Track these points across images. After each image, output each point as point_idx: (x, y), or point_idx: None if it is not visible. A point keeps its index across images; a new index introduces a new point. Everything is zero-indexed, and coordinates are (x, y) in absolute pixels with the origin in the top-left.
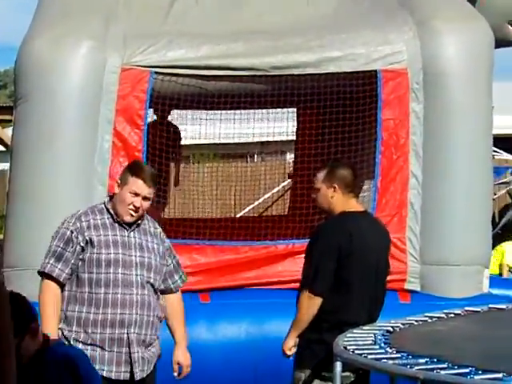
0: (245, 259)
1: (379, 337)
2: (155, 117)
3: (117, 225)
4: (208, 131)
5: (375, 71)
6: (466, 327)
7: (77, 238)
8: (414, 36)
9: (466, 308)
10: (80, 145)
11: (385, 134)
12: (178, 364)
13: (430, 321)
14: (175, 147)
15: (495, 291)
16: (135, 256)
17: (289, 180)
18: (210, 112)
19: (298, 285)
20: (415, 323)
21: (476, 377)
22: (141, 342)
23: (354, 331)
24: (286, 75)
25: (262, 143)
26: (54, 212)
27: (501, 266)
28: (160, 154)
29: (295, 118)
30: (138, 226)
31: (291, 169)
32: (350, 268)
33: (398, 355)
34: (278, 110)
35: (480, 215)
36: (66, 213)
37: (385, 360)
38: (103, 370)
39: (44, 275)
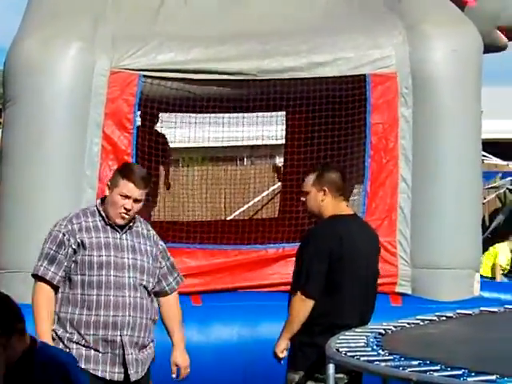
0: (235, 263)
1: (371, 339)
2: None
3: (109, 227)
4: (197, 135)
5: (364, 75)
6: (458, 330)
7: (69, 240)
8: (404, 40)
9: (458, 311)
10: (69, 147)
11: (374, 138)
12: (176, 366)
13: (422, 323)
14: (164, 151)
15: (486, 294)
16: (127, 258)
17: (279, 183)
18: (198, 115)
19: (288, 288)
20: (407, 326)
21: (469, 379)
22: (134, 344)
23: (347, 333)
24: (275, 79)
25: (251, 147)
26: (43, 214)
27: (493, 267)
28: (149, 158)
29: (284, 122)
30: (130, 228)
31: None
32: (341, 271)
33: (391, 357)
34: (267, 113)
35: (470, 219)
36: (55, 215)
37: (377, 362)
38: (98, 370)
39: (37, 278)
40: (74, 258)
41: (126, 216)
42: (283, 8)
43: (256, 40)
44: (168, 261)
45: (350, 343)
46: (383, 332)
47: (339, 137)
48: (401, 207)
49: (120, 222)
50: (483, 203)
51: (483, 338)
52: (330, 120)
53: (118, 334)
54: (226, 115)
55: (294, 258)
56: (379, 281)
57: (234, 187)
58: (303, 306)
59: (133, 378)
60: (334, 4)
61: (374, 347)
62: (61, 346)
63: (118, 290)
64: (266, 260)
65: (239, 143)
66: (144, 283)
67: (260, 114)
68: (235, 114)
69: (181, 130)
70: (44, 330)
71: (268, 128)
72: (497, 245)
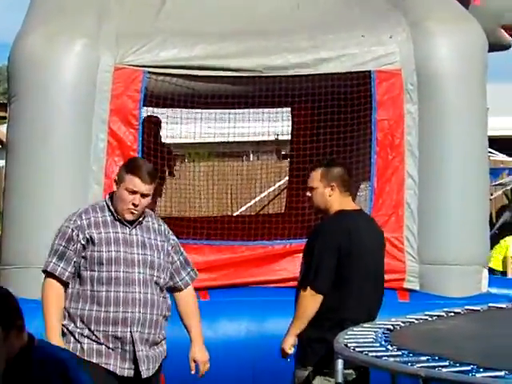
0: (242, 258)
1: (380, 335)
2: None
3: (118, 222)
4: (203, 130)
5: (369, 72)
6: (466, 326)
7: (78, 236)
8: (408, 37)
9: (466, 307)
10: (74, 143)
11: (380, 135)
12: (195, 361)
13: (430, 319)
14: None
15: (494, 290)
16: (137, 254)
17: (286, 178)
18: (204, 111)
19: (296, 283)
20: (415, 321)
21: (478, 375)
22: (144, 341)
23: (355, 329)
24: (280, 76)
25: (257, 142)
26: (49, 210)
27: (504, 260)
28: (155, 154)
29: (289, 118)
30: (140, 223)
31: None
32: (349, 266)
33: (399, 353)
34: (273, 109)
35: (477, 215)
36: (61, 211)
37: (386, 358)
38: (109, 364)
39: (47, 274)
40: (83, 254)
41: (135, 211)
42: (287, 5)
43: (260, 37)
44: (181, 255)
45: (359, 339)
46: (391, 328)
47: (345, 133)
48: (408, 203)
49: (129, 217)
50: (490, 200)
51: (491, 333)
52: (336, 116)
53: (128, 330)
54: (232, 111)
55: (301, 254)
56: (387, 277)
57: (240, 183)
58: (312, 302)
59: (144, 374)
60: (338, 1)
61: (383, 343)
62: (72, 340)
63: (127, 286)
64: (273, 256)
65: (245, 139)
66: (155, 279)
67: (266, 109)
68: (241, 110)
69: (186, 126)
70: (53, 325)
71: (274, 124)
72: (507, 238)
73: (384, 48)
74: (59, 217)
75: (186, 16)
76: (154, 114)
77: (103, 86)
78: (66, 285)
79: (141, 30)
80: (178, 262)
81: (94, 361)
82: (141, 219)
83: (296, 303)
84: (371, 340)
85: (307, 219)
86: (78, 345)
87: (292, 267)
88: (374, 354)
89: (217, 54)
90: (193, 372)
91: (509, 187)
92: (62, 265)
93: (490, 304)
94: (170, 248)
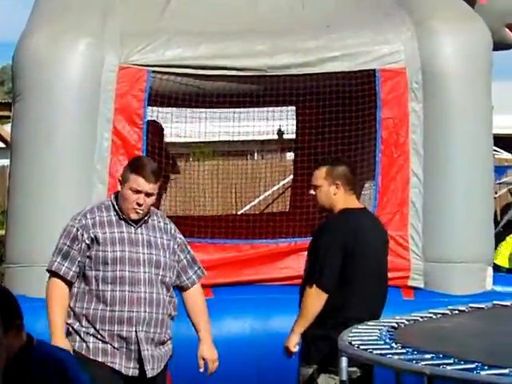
0: (246, 257)
1: (384, 332)
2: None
3: (123, 222)
4: (207, 129)
5: (373, 70)
6: (470, 324)
7: (82, 235)
8: (412, 36)
9: (471, 304)
10: (79, 142)
11: (384, 133)
12: (203, 359)
13: (434, 317)
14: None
15: (499, 288)
16: (143, 253)
17: (290, 177)
18: (208, 110)
19: (300, 281)
20: (420, 319)
21: (482, 372)
22: (150, 340)
23: (359, 327)
24: (285, 75)
25: (262, 142)
26: (53, 209)
27: (511, 257)
28: (160, 153)
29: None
30: (146, 222)
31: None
32: (354, 265)
33: (404, 351)
34: (277, 108)
35: (481, 213)
36: (65, 210)
37: (390, 355)
38: (115, 363)
39: (51, 273)
40: (88, 254)
41: (140, 211)
42: (292, 4)
43: (265, 36)
44: (188, 254)
45: (363, 336)
46: (396, 325)
47: (349, 132)
48: (412, 201)
49: (134, 216)
50: (495, 198)
51: (496, 331)
52: (340, 115)
53: (134, 329)
54: (237, 110)
55: (305, 252)
56: (392, 275)
57: (244, 181)
58: (317, 300)
59: (149, 374)
60: (342, 0)
61: (387, 340)
62: (77, 339)
63: (133, 286)
64: (278, 254)
65: (250, 138)
66: (161, 278)
67: (270, 108)
68: (245, 109)
69: (191, 125)
70: (57, 324)
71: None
72: None
73: (389, 47)
74: (63, 216)
75: (191, 15)
76: (156, 119)
77: (108, 85)
78: (70, 284)
79: (145, 29)
80: (185, 261)
81: (100, 360)
82: (146, 218)
83: (300, 301)
84: (376, 338)
85: (311, 218)
86: (84, 344)
87: (296, 265)
88: (379, 351)
89: (221, 53)
90: (201, 370)
91: None
92: (66, 264)
93: (495, 302)
94: (176, 246)
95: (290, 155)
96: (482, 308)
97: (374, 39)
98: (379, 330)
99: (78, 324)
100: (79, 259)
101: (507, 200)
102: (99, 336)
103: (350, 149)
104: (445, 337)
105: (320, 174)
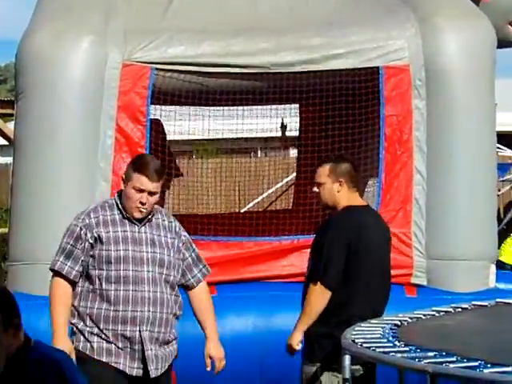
0: (249, 254)
1: (387, 330)
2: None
3: (127, 221)
4: (211, 127)
5: (377, 68)
6: (473, 321)
7: (86, 234)
8: (416, 33)
9: (474, 302)
10: (82, 140)
11: (388, 130)
12: (210, 358)
13: (437, 315)
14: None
15: (502, 286)
16: (146, 252)
17: (293, 175)
18: (211, 108)
19: (303, 278)
20: (423, 317)
21: (485, 370)
22: (154, 340)
23: (362, 325)
24: (288, 72)
25: (265, 139)
26: (56, 206)
27: None
28: (163, 150)
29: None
30: (150, 220)
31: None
32: (358, 262)
33: (407, 349)
34: (281, 106)
35: (485, 210)
36: (69, 207)
37: (393, 353)
38: (119, 363)
39: (54, 272)
40: (91, 253)
41: (143, 209)
42: (296, 1)
43: (268, 33)
44: (193, 252)
45: (366, 334)
46: (399, 323)
47: (353, 129)
48: (416, 199)
49: (138, 215)
50: (498, 195)
51: (499, 329)
52: (344, 112)
53: (137, 329)
54: (240, 107)
55: (308, 249)
56: (395, 272)
57: (248, 179)
58: (321, 298)
59: (152, 374)
60: None
61: (390, 338)
62: (82, 339)
63: (136, 285)
64: (281, 251)
65: (253, 135)
66: (165, 277)
67: (274, 106)
68: (248, 107)
69: (194, 123)
70: (60, 323)
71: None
72: None
73: (392, 44)
74: (67, 214)
75: (194, 15)
76: (159, 117)
77: (111, 82)
78: (73, 283)
79: (148, 26)
80: (190, 259)
81: (104, 360)
82: (150, 217)
83: (303, 299)
84: (378, 336)
85: (315, 215)
86: (88, 344)
87: (299, 262)
88: (382, 349)
89: (224, 51)
90: (208, 369)
91: None
92: (69, 263)
93: (498, 299)
94: (180, 245)
95: (294, 153)
96: (485, 306)
97: (377, 36)
98: (382, 327)
99: (82, 324)
100: (82, 258)
101: (510, 198)
102: (103, 336)
103: (353, 146)
104: (448, 335)
105: (323, 172)
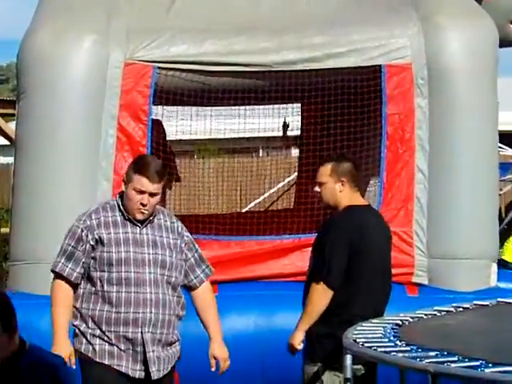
0: (251, 253)
1: (389, 330)
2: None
3: (128, 222)
4: (213, 126)
5: (379, 66)
6: (475, 321)
7: (87, 236)
8: (418, 31)
9: (475, 302)
10: (83, 139)
11: (390, 129)
12: (215, 358)
13: (438, 314)
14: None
15: (503, 285)
16: (148, 253)
17: (295, 174)
18: (213, 108)
19: (304, 277)
20: (424, 317)
21: (487, 370)
22: (156, 342)
23: (364, 324)
24: (290, 71)
25: (267, 138)
26: (58, 206)
27: None
28: (164, 149)
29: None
30: (152, 221)
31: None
32: (359, 262)
33: (408, 348)
34: (283, 105)
35: (486, 209)
36: (70, 207)
37: (395, 353)
38: (121, 366)
39: (55, 274)
40: (92, 255)
41: (144, 211)
42: (297, 0)
43: (271, 32)
44: (196, 253)
45: (368, 334)
46: (400, 323)
47: (355, 127)
48: (417, 197)
49: (139, 217)
50: (499, 195)
51: (500, 329)
52: (346, 111)
53: (139, 330)
54: (242, 107)
55: (309, 248)
56: (396, 271)
57: (250, 179)
58: (323, 298)
59: (154, 376)
60: None
61: (391, 338)
62: (84, 341)
63: (138, 287)
64: (282, 250)
65: (255, 135)
66: (166, 278)
67: (276, 105)
68: (250, 106)
69: (196, 122)
70: (60, 325)
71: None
72: None
73: (395, 42)
74: (68, 213)
75: (196, 14)
76: (161, 116)
77: (113, 81)
78: (75, 285)
79: (150, 26)
80: (193, 259)
81: (106, 362)
82: (152, 218)
83: (304, 298)
84: (380, 335)
85: (316, 214)
86: (90, 346)
87: (301, 262)
88: (383, 349)
89: (226, 50)
90: (213, 369)
91: None
92: (70, 265)
93: (499, 299)
94: (183, 245)
95: (295, 152)
96: (487, 305)
97: (380, 35)
98: (383, 327)
99: (84, 325)
100: (84, 260)
101: None
102: (105, 338)
103: (355, 144)
104: (449, 334)
105: (325, 171)
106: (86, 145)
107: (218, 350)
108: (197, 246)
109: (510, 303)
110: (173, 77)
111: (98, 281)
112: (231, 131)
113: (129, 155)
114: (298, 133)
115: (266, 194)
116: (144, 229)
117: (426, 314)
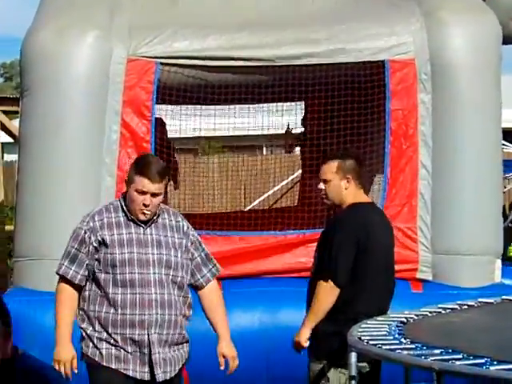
0: (255, 248)
1: (393, 328)
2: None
3: (132, 223)
4: (216, 124)
5: (383, 61)
6: (479, 318)
7: (90, 238)
8: (421, 27)
9: (480, 299)
10: (87, 135)
11: (394, 124)
12: (224, 357)
13: (443, 312)
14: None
15: (507, 281)
16: (152, 254)
17: (299, 171)
18: (217, 107)
19: (308, 274)
20: (429, 314)
21: (491, 367)
22: (163, 343)
23: (368, 322)
24: (293, 65)
25: (271, 136)
26: (62, 203)
27: None
28: (168, 145)
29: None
30: (156, 221)
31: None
32: (365, 260)
33: (413, 346)
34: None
35: (490, 206)
36: (74, 203)
37: (399, 351)
38: (128, 370)
39: (60, 276)
40: (96, 256)
41: (147, 212)
42: None
43: (273, 27)
44: (202, 252)
45: (372, 332)
46: (405, 321)
47: (358, 123)
48: (421, 193)
49: (142, 217)
50: (503, 192)
51: (505, 326)
52: (349, 106)
53: (146, 332)
54: (245, 105)
55: (314, 244)
56: (400, 267)
57: (254, 177)
58: (330, 295)
59: (160, 378)
60: None
61: (396, 336)
62: (91, 345)
63: (143, 288)
64: (286, 245)
65: (259, 132)
66: (172, 278)
67: (279, 103)
68: (254, 104)
69: (199, 120)
70: (63, 327)
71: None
72: None
73: (398, 38)
74: (72, 209)
75: (198, 10)
76: (165, 113)
77: (116, 77)
78: (79, 287)
79: (153, 22)
80: (199, 259)
81: (113, 367)
82: (155, 217)
83: (308, 295)
84: (385, 333)
85: (320, 209)
86: (97, 350)
87: (305, 258)
88: (388, 347)
89: (229, 45)
90: (222, 368)
91: None
92: (73, 268)
93: (504, 297)
94: (189, 244)
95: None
96: (491, 303)
97: (383, 30)
98: (388, 325)
99: (91, 329)
100: (87, 262)
101: None
102: (112, 341)
103: (358, 140)
104: (454, 332)
105: (330, 168)
106: (90, 141)
107: (227, 349)
108: (203, 245)
109: None
110: (176, 73)
111: (103, 282)
112: (235, 128)
113: (132, 151)
114: (302, 130)
115: (270, 192)
116: (148, 229)
117: (430, 312)
